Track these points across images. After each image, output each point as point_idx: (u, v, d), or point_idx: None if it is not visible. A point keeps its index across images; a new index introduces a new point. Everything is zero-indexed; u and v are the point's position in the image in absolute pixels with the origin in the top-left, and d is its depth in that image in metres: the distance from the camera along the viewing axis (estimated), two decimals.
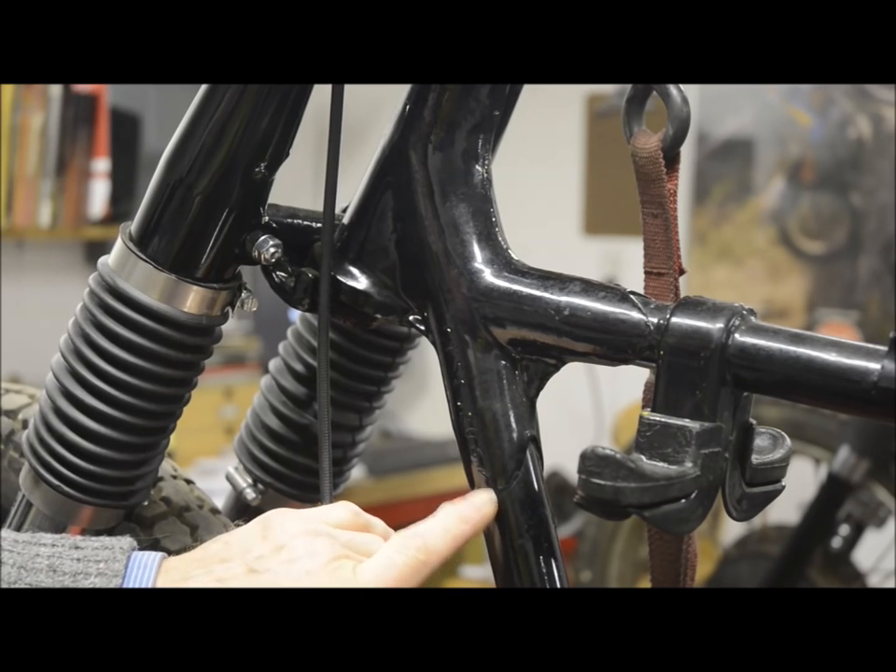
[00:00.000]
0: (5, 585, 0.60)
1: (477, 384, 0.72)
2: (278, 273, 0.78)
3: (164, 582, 0.63)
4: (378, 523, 0.70)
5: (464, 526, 0.69)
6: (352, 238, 0.77)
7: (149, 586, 0.62)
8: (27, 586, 0.61)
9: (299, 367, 0.87)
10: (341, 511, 0.68)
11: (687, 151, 3.09)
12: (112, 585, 0.61)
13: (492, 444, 0.72)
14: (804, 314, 3.35)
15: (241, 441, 0.90)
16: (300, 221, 0.80)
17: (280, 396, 0.87)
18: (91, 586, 0.61)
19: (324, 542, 0.65)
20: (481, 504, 0.71)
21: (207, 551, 0.66)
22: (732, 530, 2.69)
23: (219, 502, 0.91)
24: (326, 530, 0.66)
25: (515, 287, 0.72)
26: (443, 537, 0.68)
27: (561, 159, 3.68)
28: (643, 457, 0.65)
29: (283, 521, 0.67)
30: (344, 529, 0.67)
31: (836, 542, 2.32)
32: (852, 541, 2.32)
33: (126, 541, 0.64)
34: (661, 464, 0.65)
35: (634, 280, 0.71)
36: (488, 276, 0.72)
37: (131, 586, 0.62)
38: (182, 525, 0.86)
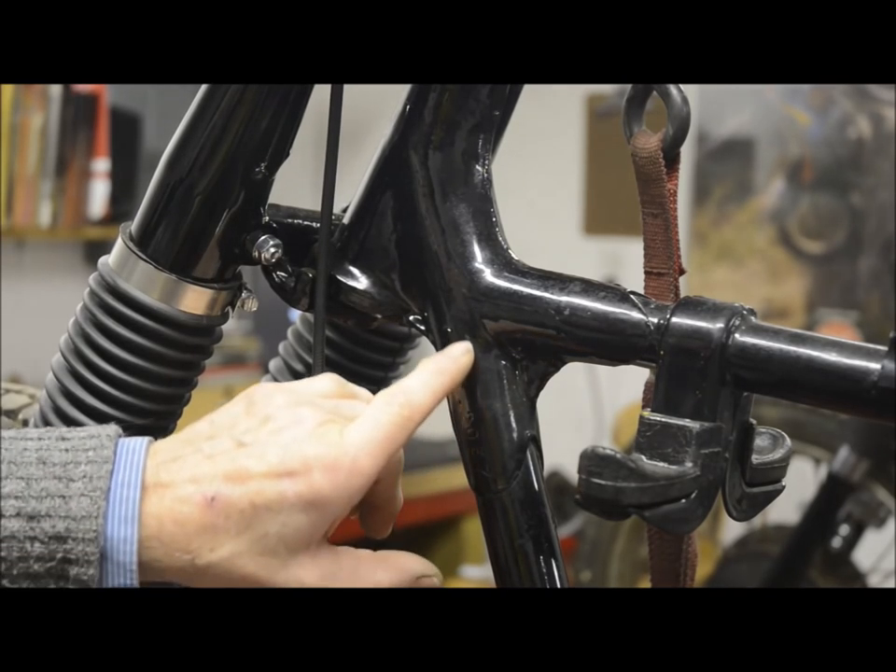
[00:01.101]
0: None
1: (477, 384, 0.72)
2: (278, 272, 0.78)
3: (153, 464, 0.63)
4: (363, 392, 0.70)
5: (442, 378, 0.69)
6: (352, 238, 0.77)
7: (139, 469, 0.63)
8: (19, 479, 0.61)
9: (299, 367, 0.87)
10: (325, 382, 0.69)
11: (687, 151, 3.09)
12: (102, 472, 0.62)
13: (492, 444, 0.72)
14: (804, 314, 3.36)
15: None
16: (300, 221, 0.80)
17: None
18: (82, 474, 0.62)
19: (308, 410, 0.65)
20: (457, 355, 0.71)
21: (193, 430, 0.66)
22: (732, 530, 2.69)
23: None
24: (310, 399, 0.67)
25: (515, 286, 0.72)
26: (424, 390, 0.68)
27: (561, 159, 3.68)
28: (643, 457, 0.65)
29: (266, 394, 0.67)
30: (329, 398, 0.68)
31: (836, 542, 2.32)
32: (852, 541, 2.33)
33: (112, 428, 0.65)
34: (661, 464, 0.65)
35: (634, 280, 0.71)
36: (488, 276, 0.72)
37: (121, 472, 0.62)
38: None
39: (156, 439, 0.79)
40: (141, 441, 0.64)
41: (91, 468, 0.62)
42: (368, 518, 0.71)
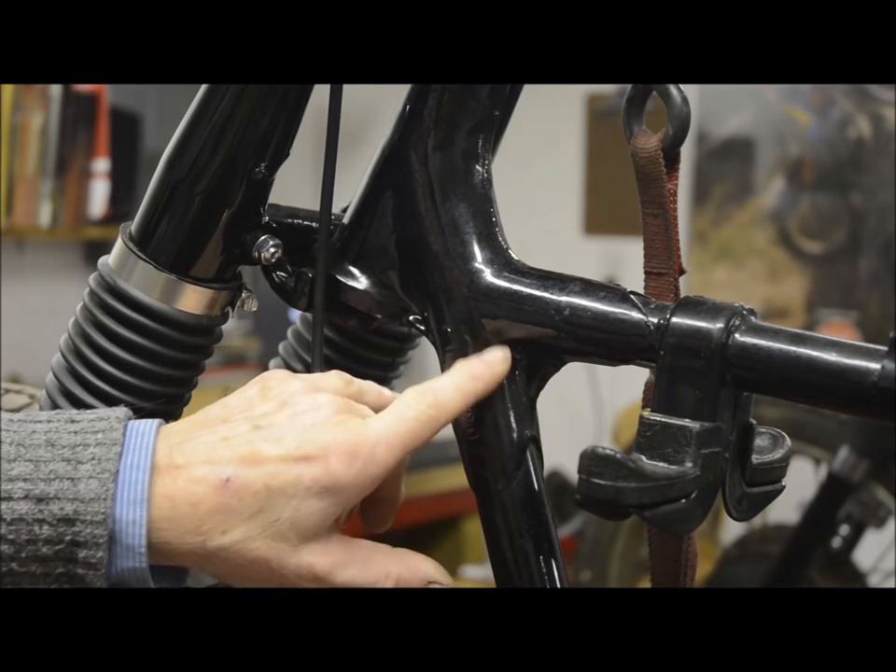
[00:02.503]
0: (5, 464, 0.61)
1: None
2: (278, 272, 0.78)
3: (166, 445, 0.64)
4: (371, 386, 0.70)
5: (475, 384, 0.69)
6: (352, 238, 0.77)
7: (149, 451, 0.63)
8: (27, 462, 0.62)
9: (299, 367, 0.87)
10: (333, 379, 0.69)
11: (687, 151, 3.09)
12: (111, 454, 0.62)
13: (492, 444, 0.72)
14: (804, 314, 3.35)
15: None
16: (300, 221, 0.80)
17: None
18: (90, 457, 0.62)
19: (326, 397, 0.66)
20: (493, 361, 0.70)
21: (208, 414, 0.67)
22: (732, 530, 2.69)
23: None
24: (326, 387, 0.67)
25: (515, 286, 0.72)
26: (454, 393, 0.68)
27: (561, 159, 3.68)
28: (643, 457, 0.65)
29: (281, 379, 0.68)
30: (340, 394, 0.68)
31: (836, 542, 2.32)
32: (852, 541, 2.33)
33: (121, 411, 0.65)
34: (661, 464, 0.65)
35: (634, 280, 0.71)
36: (488, 276, 0.72)
37: (130, 454, 0.63)
38: None
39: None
40: (151, 424, 0.64)
41: (99, 450, 0.62)
42: (370, 511, 0.71)
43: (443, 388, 0.68)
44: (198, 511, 0.62)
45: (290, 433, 0.64)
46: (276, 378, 0.68)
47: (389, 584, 0.66)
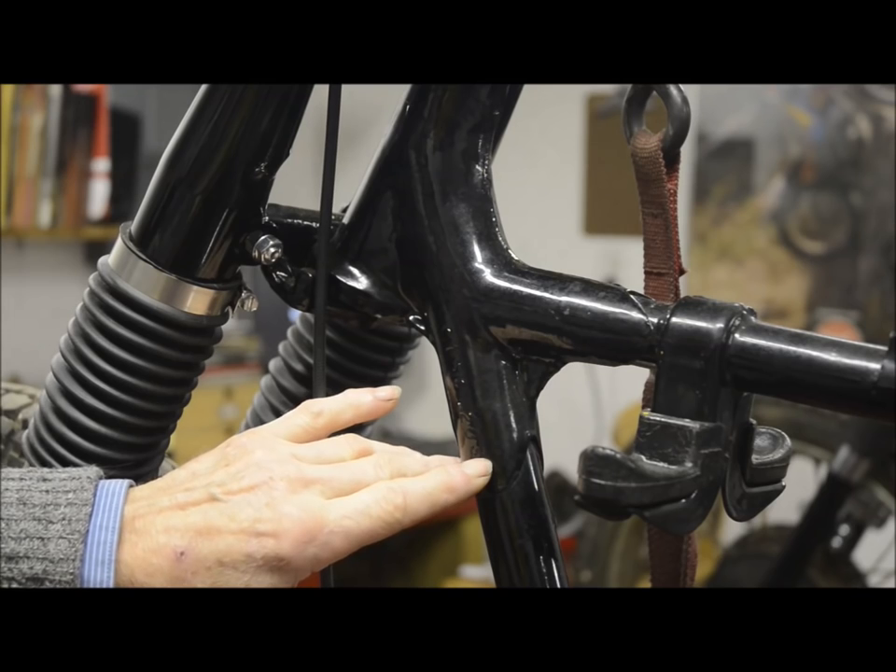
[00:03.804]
0: None
1: (477, 384, 0.72)
2: (278, 272, 0.78)
3: (131, 511, 0.64)
4: (347, 406, 0.70)
5: (448, 496, 0.69)
6: (352, 238, 0.78)
7: (118, 512, 0.63)
8: None
9: (299, 367, 0.87)
10: (299, 419, 0.69)
11: (687, 151, 3.09)
12: (81, 515, 0.62)
13: (492, 444, 0.72)
14: (804, 314, 3.36)
15: None
16: (300, 221, 0.80)
17: (280, 396, 0.87)
18: (61, 517, 0.62)
19: (284, 469, 0.66)
20: (473, 475, 0.70)
21: (174, 478, 0.67)
22: (732, 530, 2.69)
23: None
24: (287, 452, 0.67)
25: (515, 287, 0.72)
26: (424, 501, 0.67)
27: (561, 159, 3.68)
28: (643, 457, 0.65)
29: (244, 444, 0.67)
30: (306, 439, 0.68)
31: (836, 542, 2.32)
32: (852, 541, 2.33)
33: (93, 470, 0.65)
34: (661, 464, 0.65)
35: (634, 280, 0.71)
36: (488, 276, 0.72)
37: (100, 514, 0.63)
38: None
39: (156, 439, 0.79)
40: (121, 485, 0.65)
41: (70, 510, 0.63)
42: None
43: (415, 493, 0.67)
44: (153, 581, 0.63)
45: (245, 508, 0.64)
46: (238, 445, 0.67)
47: None
